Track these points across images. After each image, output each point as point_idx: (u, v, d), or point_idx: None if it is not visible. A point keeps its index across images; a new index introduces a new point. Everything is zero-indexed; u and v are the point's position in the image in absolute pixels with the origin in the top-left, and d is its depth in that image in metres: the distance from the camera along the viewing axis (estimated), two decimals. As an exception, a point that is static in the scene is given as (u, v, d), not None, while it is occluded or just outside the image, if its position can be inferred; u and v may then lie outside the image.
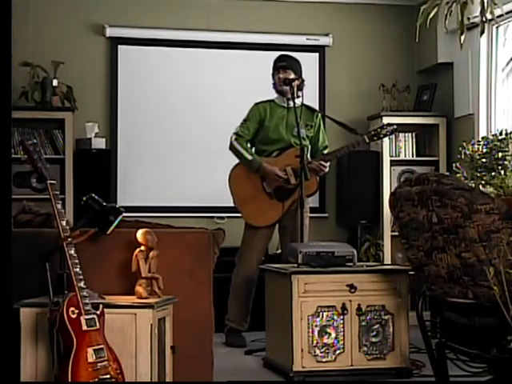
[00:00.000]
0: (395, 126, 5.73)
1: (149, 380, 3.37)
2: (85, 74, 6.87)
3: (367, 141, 5.72)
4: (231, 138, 5.65)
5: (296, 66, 5.69)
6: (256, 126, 5.67)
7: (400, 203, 3.79)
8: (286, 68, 5.64)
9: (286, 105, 5.68)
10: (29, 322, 3.36)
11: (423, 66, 7.27)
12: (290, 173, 5.58)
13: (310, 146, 5.70)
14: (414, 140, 7.06)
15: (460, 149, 4.16)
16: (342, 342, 4.48)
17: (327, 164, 5.60)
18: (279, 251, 6.08)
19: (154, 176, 6.96)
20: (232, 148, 5.64)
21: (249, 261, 5.64)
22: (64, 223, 3.33)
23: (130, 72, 6.99)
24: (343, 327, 4.48)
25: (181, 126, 6.99)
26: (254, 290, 5.66)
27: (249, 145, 5.71)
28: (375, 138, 5.71)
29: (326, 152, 5.73)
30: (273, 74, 5.72)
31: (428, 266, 3.69)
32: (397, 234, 4.35)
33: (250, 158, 5.59)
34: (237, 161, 5.67)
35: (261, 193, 5.60)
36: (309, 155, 5.65)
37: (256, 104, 5.73)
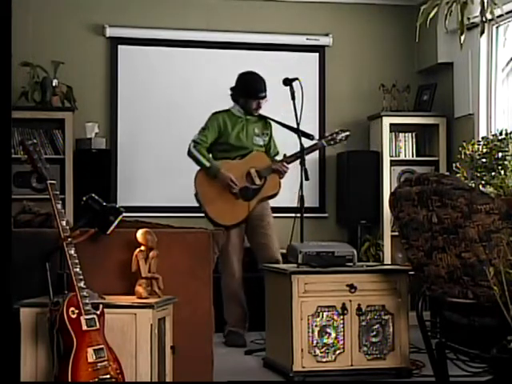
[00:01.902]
0: (349, 133, 5.94)
1: (149, 380, 3.37)
2: (85, 73, 6.87)
3: (325, 144, 5.89)
4: (190, 145, 5.77)
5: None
6: (215, 136, 5.80)
7: (400, 203, 3.79)
8: (264, 98, 5.79)
9: (243, 116, 5.82)
10: (29, 321, 3.36)
11: (423, 66, 7.26)
12: (254, 174, 5.74)
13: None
14: (413, 140, 7.06)
15: (460, 149, 4.16)
16: (342, 342, 4.48)
17: (289, 166, 5.75)
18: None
19: (154, 176, 6.96)
20: (190, 154, 5.75)
21: (232, 263, 5.72)
22: (64, 223, 3.33)
23: (130, 72, 6.99)
24: (343, 327, 4.48)
25: (181, 126, 6.98)
26: (243, 291, 5.75)
27: (206, 152, 5.80)
28: (332, 143, 5.89)
29: (277, 158, 5.89)
30: (245, 97, 5.78)
31: (428, 265, 3.69)
32: (397, 234, 4.35)
33: (207, 164, 5.71)
34: None
35: (226, 193, 5.69)
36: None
37: (214, 114, 5.86)
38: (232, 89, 5.87)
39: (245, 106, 5.82)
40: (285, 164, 5.73)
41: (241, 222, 5.72)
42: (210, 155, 5.82)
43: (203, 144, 5.75)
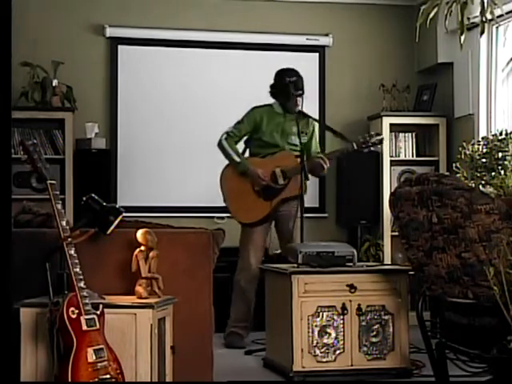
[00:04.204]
0: (383, 137, 5.86)
1: (149, 380, 3.37)
2: (85, 73, 6.87)
3: (355, 148, 5.72)
4: (221, 136, 5.71)
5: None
6: (249, 130, 5.74)
7: (400, 203, 3.79)
8: (302, 95, 5.69)
9: (283, 112, 5.75)
10: (29, 321, 3.36)
11: (423, 66, 7.26)
12: (278, 174, 5.67)
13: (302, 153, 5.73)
14: (414, 140, 7.06)
15: (460, 149, 4.16)
16: (341, 342, 4.48)
17: (328, 161, 5.65)
18: (279, 251, 6.11)
19: (154, 176, 6.96)
20: (220, 146, 5.70)
21: (248, 261, 5.68)
22: (64, 223, 3.33)
23: (130, 72, 6.99)
24: (343, 327, 4.48)
25: (181, 126, 6.99)
26: (255, 293, 5.68)
27: (237, 145, 5.76)
28: (363, 146, 5.73)
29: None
30: (285, 95, 5.68)
31: (428, 266, 3.69)
32: (397, 234, 4.35)
33: (237, 159, 5.67)
34: None
35: (249, 191, 5.66)
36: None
37: (254, 108, 5.78)
38: (271, 86, 5.79)
39: (285, 104, 5.73)
40: (325, 159, 5.61)
41: (260, 221, 5.67)
42: (245, 149, 5.79)
43: (235, 137, 5.70)
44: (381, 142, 5.81)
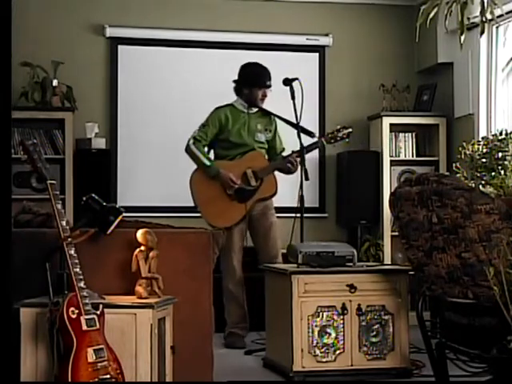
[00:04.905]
0: (351, 130, 5.84)
1: (149, 380, 3.37)
2: (85, 73, 6.87)
3: (325, 143, 5.76)
4: (188, 141, 5.68)
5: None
6: (215, 132, 5.72)
7: (400, 203, 3.79)
8: (270, 87, 5.71)
9: (246, 110, 5.75)
10: (29, 321, 3.36)
11: (423, 66, 7.26)
12: (250, 175, 5.66)
13: (266, 150, 5.81)
14: (413, 140, 7.06)
15: (460, 149, 4.16)
16: (342, 342, 4.48)
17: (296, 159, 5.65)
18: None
19: (154, 176, 6.96)
20: (189, 151, 5.67)
21: (232, 263, 5.68)
22: (64, 223, 3.33)
23: (130, 72, 6.99)
24: (343, 327, 4.48)
25: (181, 126, 6.97)
26: (244, 292, 5.71)
27: (206, 149, 5.74)
28: (332, 141, 5.76)
29: (283, 154, 5.80)
30: (250, 87, 5.71)
31: (428, 266, 3.69)
32: (397, 234, 4.35)
33: (207, 163, 5.64)
34: None
35: (221, 194, 5.63)
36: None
37: (216, 108, 5.78)
38: (235, 81, 5.81)
39: (250, 96, 5.72)
40: (294, 157, 5.60)
41: (237, 223, 5.66)
42: (212, 152, 5.79)
43: (202, 141, 5.68)
44: (348, 135, 5.80)
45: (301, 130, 5.60)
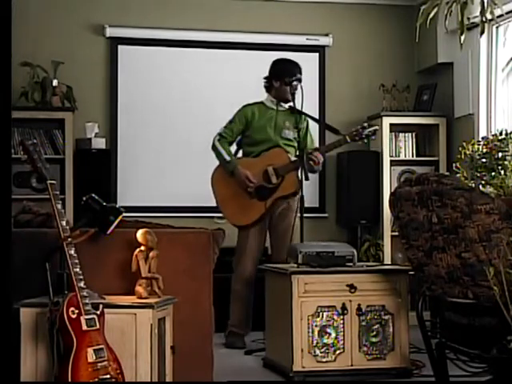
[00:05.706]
0: (377, 128, 5.77)
1: (149, 380, 3.37)
2: (85, 73, 6.87)
3: (349, 140, 5.65)
4: (214, 138, 5.65)
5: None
6: (241, 128, 5.67)
7: (400, 203, 3.79)
8: (300, 80, 5.62)
9: (275, 107, 5.70)
10: (29, 321, 3.36)
11: (423, 66, 7.27)
12: (271, 172, 5.59)
13: (296, 149, 5.68)
14: (413, 140, 7.06)
15: (460, 149, 4.16)
16: (342, 342, 4.47)
17: (319, 156, 5.56)
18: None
19: (154, 176, 6.96)
20: (214, 148, 5.64)
21: (244, 263, 5.63)
22: (64, 223, 3.33)
23: (130, 72, 6.99)
24: (343, 327, 4.48)
25: (181, 126, 7.00)
26: (253, 294, 5.65)
27: (232, 147, 5.71)
28: (357, 138, 5.64)
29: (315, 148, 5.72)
30: (279, 78, 5.65)
31: (428, 266, 3.69)
32: (397, 234, 4.35)
33: (227, 158, 5.59)
34: None
35: (242, 192, 5.58)
36: (292, 158, 5.65)
37: (244, 106, 5.73)
38: (266, 77, 5.75)
39: (279, 91, 5.65)
40: (316, 154, 5.52)
41: (257, 222, 5.60)
42: (238, 150, 5.73)
43: (228, 138, 5.64)
44: (374, 133, 5.68)
45: (326, 127, 5.55)
